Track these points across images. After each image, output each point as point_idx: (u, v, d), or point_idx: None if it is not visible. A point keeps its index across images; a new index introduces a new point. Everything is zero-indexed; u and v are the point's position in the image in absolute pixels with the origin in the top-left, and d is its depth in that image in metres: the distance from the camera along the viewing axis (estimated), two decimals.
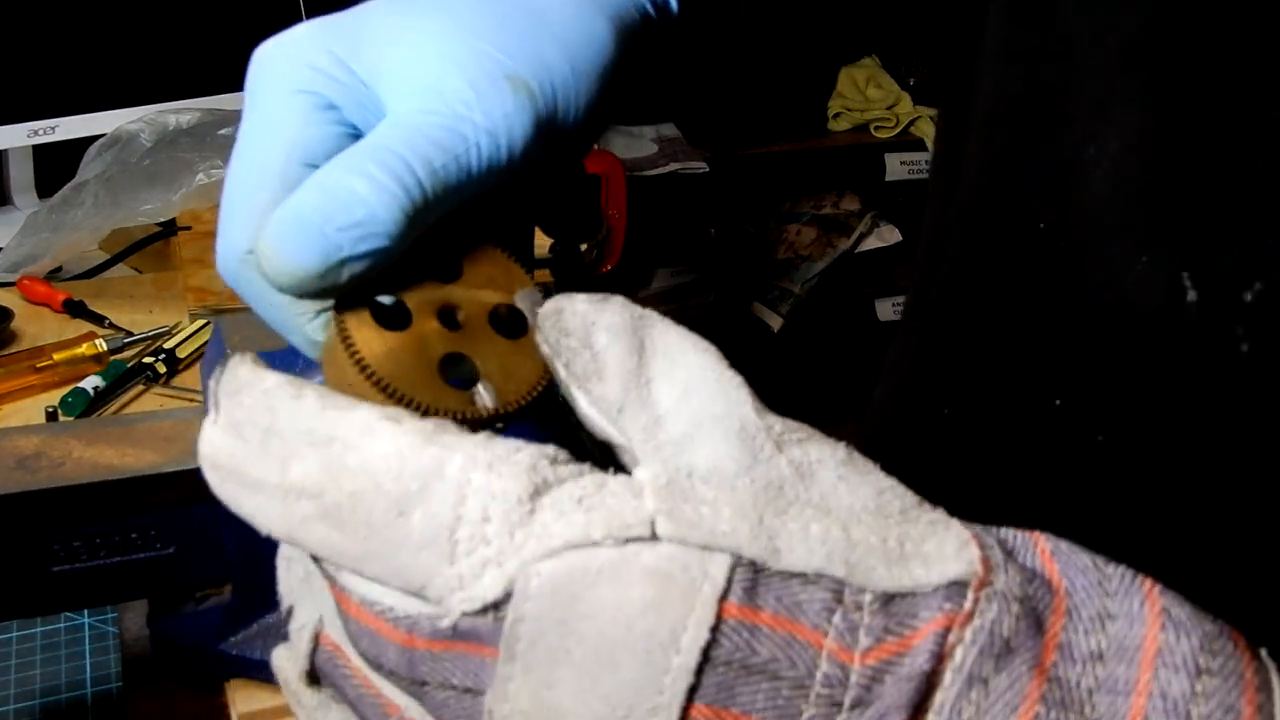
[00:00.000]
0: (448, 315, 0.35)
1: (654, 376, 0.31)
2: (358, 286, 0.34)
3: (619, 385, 0.30)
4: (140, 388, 0.93)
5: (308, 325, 0.36)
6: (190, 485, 0.57)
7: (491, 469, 0.27)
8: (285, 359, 0.59)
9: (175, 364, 0.94)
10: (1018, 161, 0.43)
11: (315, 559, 0.30)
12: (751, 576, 0.26)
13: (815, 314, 2.10)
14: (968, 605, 0.27)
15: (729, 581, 0.26)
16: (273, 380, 0.30)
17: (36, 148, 1.25)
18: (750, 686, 0.26)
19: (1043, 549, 0.29)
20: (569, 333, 0.32)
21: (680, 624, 0.26)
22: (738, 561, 0.26)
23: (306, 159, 0.35)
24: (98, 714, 0.67)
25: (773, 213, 2.17)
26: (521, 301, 0.36)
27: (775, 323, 2.05)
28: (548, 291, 0.36)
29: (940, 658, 0.26)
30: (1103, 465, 0.40)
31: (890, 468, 0.30)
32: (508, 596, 0.27)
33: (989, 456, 0.47)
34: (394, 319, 0.34)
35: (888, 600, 0.27)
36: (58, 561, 0.56)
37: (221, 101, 1.21)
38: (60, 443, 0.58)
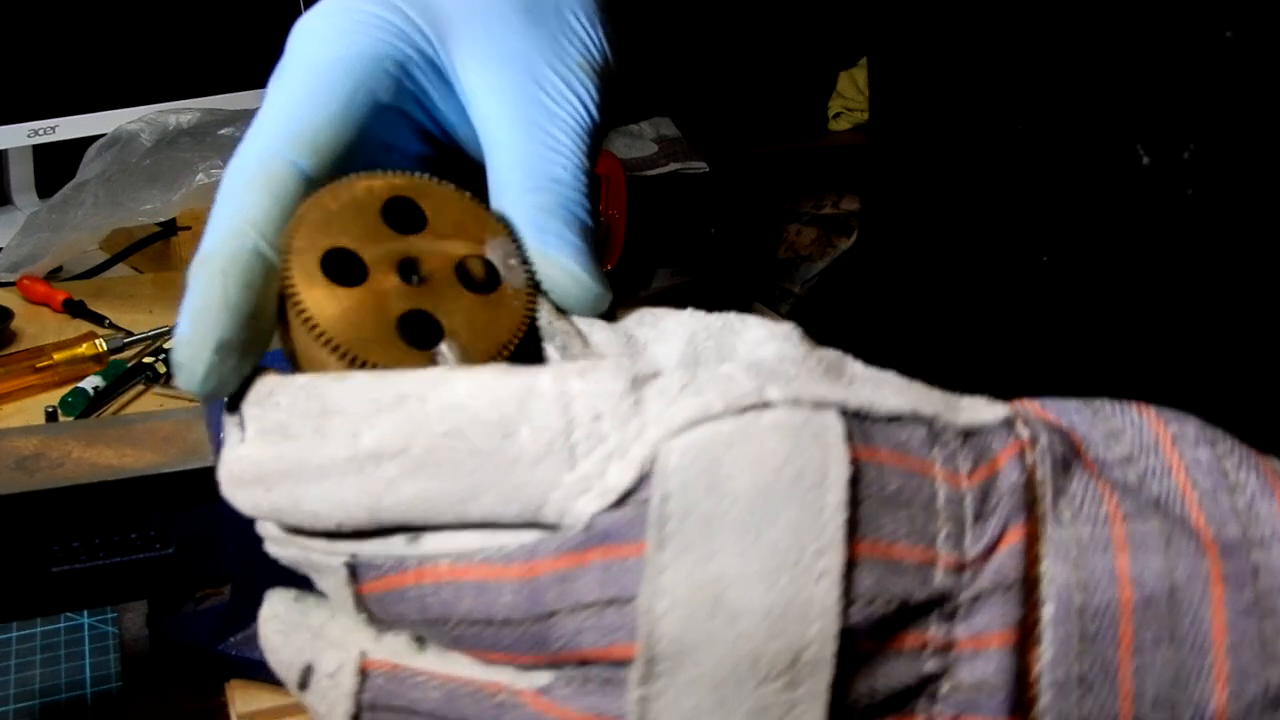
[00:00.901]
0: (409, 269, 0.33)
1: (649, 341, 0.31)
2: (308, 238, 0.32)
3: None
4: (140, 388, 0.93)
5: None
6: (190, 485, 0.57)
7: (584, 376, 0.27)
8: (280, 357, 0.59)
9: None
10: (996, 79, 0.53)
11: (336, 584, 0.29)
12: (859, 425, 0.28)
13: (815, 314, 2.10)
14: (1025, 433, 0.29)
15: (847, 429, 0.27)
16: (304, 378, 0.29)
17: (36, 148, 1.25)
18: (891, 515, 0.27)
19: (1032, 405, 0.32)
20: (561, 314, 0.32)
21: (823, 466, 0.27)
22: (844, 413, 0.28)
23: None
24: (98, 714, 0.67)
25: (773, 213, 2.17)
26: (493, 252, 0.34)
27: None
28: (518, 242, 0.35)
29: (1027, 475, 0.29)
30: (1089, 306, 0.51)
31: (871, 328, 0.34)
32: (636, 486, 0.26)
33: (979, 312, 0.57)
34: (348, 274, 0.32)
35: (967, 436, 0.29)
36: (57, 562, 0.56)
37: (221, 101, 1.21)
38: (60, 443, 0.58)
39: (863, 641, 0.27)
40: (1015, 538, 0.28)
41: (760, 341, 0.31)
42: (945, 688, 0.28)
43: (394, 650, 0.29)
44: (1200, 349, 0.50)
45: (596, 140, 0.38)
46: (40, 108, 1.18)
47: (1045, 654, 0.28)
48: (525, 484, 0.27)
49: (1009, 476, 0.28)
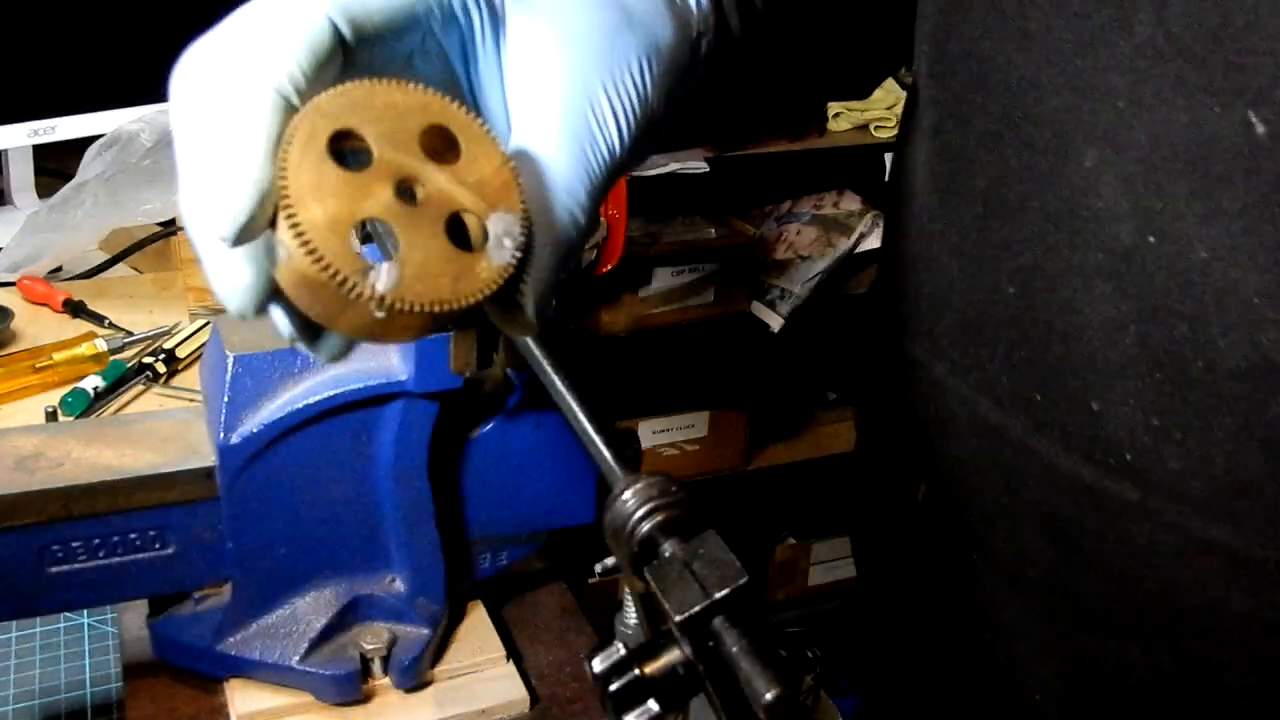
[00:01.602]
0: (406, 188, 0.32)
1: None
2: (338, 109, 0.32)
3: None
4: (140, 388, 0.93)
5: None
6: (190, 485, 0.57)
7: None
8: (284, 359, 0.59)
9: (175, 364, 0.94)
10: (1094, 53, 0.51)
11: None
12: None
13: (815, 314, 2.10)
14: None
15: None
16: None
17: (36, 148, 1.25)
18: None
19: None
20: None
21: None
22: None
23: None
24: (97, 714, 0.67)
25: (773, 213, 2.17)
26: (495, 223, 0.33)
27: (775, 323, 2.05)
28: (530, 226, 0.33)
29: None
30: (1201, 276, 0.50)
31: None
32: None
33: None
34: (349, 161, 0.31)
35: None
36: (56, 562, 0.56)
37: None
38: (59, 443, 0.58)
39: None
40: None
41: None
42: None
43: None
44: None
45: (616, 176, 0.39)
46: (40, 108, 1.18)
47: None
48: None
49: None
